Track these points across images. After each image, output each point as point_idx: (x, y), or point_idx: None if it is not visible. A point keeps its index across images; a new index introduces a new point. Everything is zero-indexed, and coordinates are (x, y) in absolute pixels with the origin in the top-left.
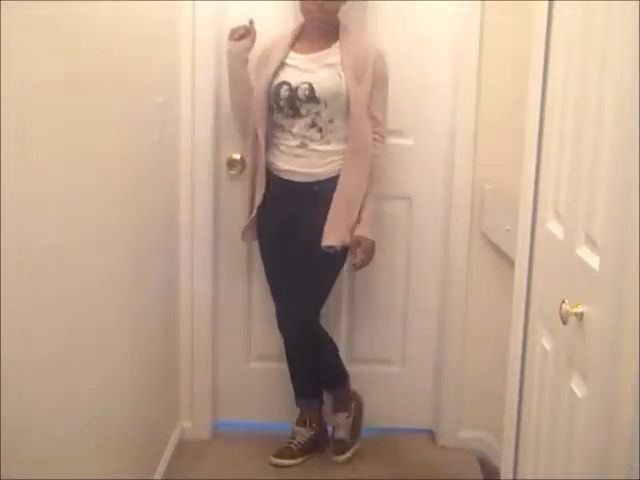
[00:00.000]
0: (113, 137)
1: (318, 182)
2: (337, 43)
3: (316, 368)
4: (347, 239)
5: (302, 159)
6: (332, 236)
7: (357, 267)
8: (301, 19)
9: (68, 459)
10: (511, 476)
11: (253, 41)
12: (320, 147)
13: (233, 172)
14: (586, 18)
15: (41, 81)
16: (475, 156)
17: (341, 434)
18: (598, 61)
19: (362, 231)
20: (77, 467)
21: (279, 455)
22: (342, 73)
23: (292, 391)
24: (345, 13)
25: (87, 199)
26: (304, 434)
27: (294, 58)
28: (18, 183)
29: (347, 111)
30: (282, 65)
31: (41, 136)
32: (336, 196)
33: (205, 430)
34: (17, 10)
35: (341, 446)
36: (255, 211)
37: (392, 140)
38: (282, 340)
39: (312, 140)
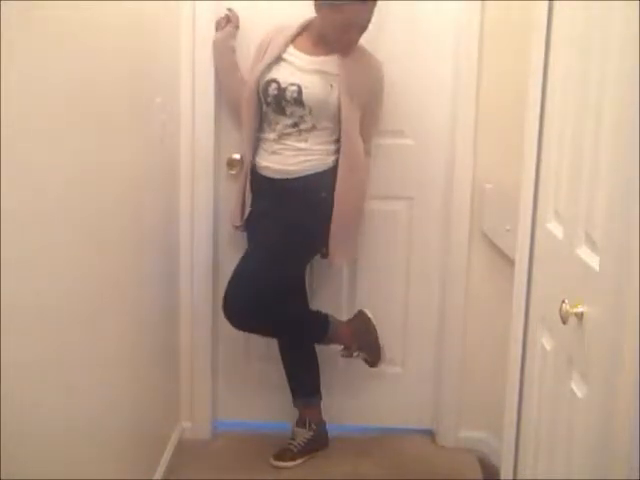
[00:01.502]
0: (113, 137)
1: (293, 180)
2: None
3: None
4: (355, 255)
5: (277, 156)
6: (339, 257)
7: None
8: (303, 17)
9: (68, 459)
10: (511, 476)
11: (236, 27)
12: (295, 143)
13: (233, 172)
14: (586, 18)
15: (41, 81)
16: (475, 156)
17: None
18: (598, 61)
19: (333, 259)
20: (77, 467)
21: (279, 457)
22: (335, 85)
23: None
24: None
25: (87, 199)
26: (304, 435)
27: (292, 54)
28: (18, 182)
29: (333, 122)
30: (277, 60)
31: (41, 136)
32: (336, 214)
33: (205, 430)
34: (17, 10)
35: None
36: (247, 213)
37: (392, 140)
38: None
39: (289, 135)
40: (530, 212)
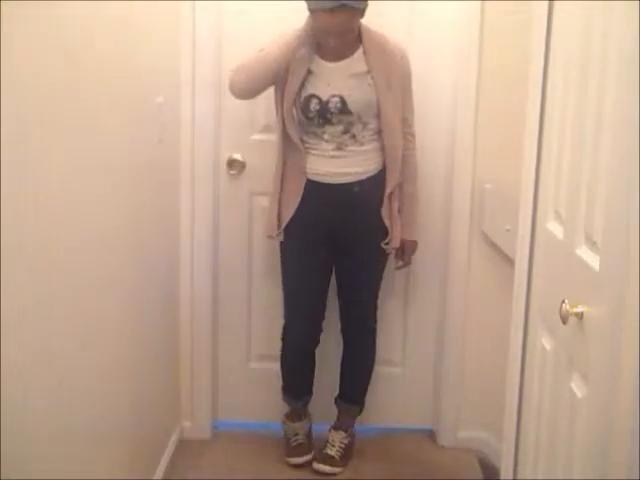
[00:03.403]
0: (113, 138)
1: (358, 182)
2: (361, 49)
3: (354, 379)
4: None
5: (340, 160)
6: (411, 240)
7: (402, 267)
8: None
9: (68, 459)
10: (511, 476)
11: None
12: (355, 148)
13: (233, 172)
14: (586, 18)
15: (41, 81)
16: (475, 156)
17: (333, 452)
18: (598, 61)
19: (410, 234)
20: (77, 467)
21: (293, 454)
22: (371, 82)
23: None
24: None
25: (87, 200)
26: (304, 426)
27: (320, 65)
28: (18, 183)
29: (378, 114)
30: (308, 74)
31: (41, 137)
32: (406, 198)
33: (205, 430)
34: (17, 10)
35: (330, 461)
36: (289, 217)
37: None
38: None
39: (346, 145)
40: (530, 212)
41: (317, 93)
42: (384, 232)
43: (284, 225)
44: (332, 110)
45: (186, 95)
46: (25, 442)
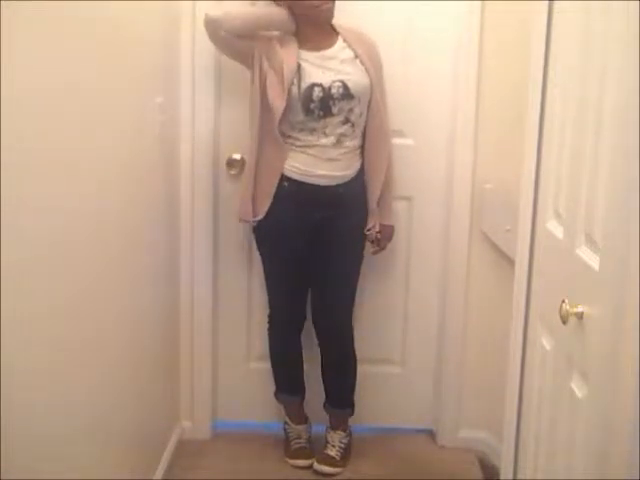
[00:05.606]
0: (113, 137)
1: (343, 184)
2: (339, 38)
3: (340, 383)
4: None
5: (336, 162)
6: (390, 226)
7: (377, 252)
8: None
9: (68, 459)
10: (511, 476)
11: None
12: (352, 143)
13: (233, 172)
14: (586, 18)
15: (41, 81)
16: (475, 156)
17: (333, 452)
18: (598, 61)
19: (388, 219)
20: (77, 467)
21: (294, 456)
22: (362, 66)
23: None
24: (343, 12)
25: (87, 200)
26: (307, 430)
27: (309, 56)
28: (18, 184)
29: (369, 99)
30: (299, 68)
31: (41, 137)
32: (385, 182)
33: (205, 430)
34: (17, 10)
35: (331, 461)
36: (263, 214)
37: (392, 140)
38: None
39: (346, 136)
40: (530, 212)
41: (318, 81)
42: (364, 225)
43: (259, 217)
44: (335, 96)
45: (186, 95)
46: (25, 442)
